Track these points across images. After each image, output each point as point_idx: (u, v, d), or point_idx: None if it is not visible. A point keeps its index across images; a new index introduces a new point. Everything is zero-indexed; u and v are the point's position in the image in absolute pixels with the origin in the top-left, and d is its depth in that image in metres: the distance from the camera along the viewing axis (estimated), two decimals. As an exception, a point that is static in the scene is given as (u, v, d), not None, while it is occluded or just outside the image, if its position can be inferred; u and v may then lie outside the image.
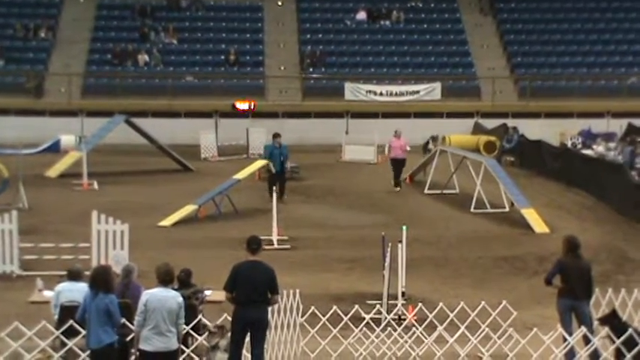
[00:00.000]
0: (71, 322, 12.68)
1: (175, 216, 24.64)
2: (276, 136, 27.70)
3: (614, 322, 13.31)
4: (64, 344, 13.08)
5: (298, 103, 42.55)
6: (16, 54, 43.71)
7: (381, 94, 42.82)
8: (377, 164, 35.31)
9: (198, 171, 33.60)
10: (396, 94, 42.79)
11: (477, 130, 40.79)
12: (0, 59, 43.28)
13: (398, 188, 29.15)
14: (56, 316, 13.54)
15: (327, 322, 14.31)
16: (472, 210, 26.29)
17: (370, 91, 42.80)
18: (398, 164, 29.26)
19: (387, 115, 41.78)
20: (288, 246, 22.22)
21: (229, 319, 12.65)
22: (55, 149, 36.51)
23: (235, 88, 42.44)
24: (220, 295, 13.32)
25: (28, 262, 19.42)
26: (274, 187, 24.92)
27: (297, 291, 14.39)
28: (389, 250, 16.68)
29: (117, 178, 31.94)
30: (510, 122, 39.40)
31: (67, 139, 37.32)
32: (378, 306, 15.74)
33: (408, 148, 29.51)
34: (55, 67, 43.51)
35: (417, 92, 42.84)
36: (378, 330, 14.48)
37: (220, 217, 25.34)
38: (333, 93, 42.44)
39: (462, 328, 14.01)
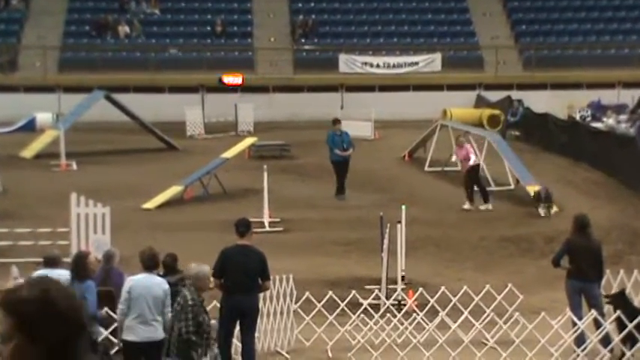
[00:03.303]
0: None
1: (160, 198, 24.62)
2: (335, 122, 26.52)
3: (621, 303, 13.35)
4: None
5: (290, 77, 42.45)
6: (-13, 27, 43.53)
7: (377, 65, 42.72)
8: (374, 140, 35.30)
9: (184, 150, 33.55)
10: (394, 66, 42.71)
11: (480, 103, 40.75)
12: (-30, 32, 43.14)
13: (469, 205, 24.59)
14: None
15: (322, 309, 14.35)
16: (475, 188, 26.28)
17: (366, 63, 42.70)
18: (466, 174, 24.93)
19: (384, 89, 41.73)
20: (280, 228, 22.23)
21: (218, 306, 12.67)
22: (31, 128, 36.40)
23: (222, 61, 42.31)
24: (208, 281, 13.32)
25: (3, 249, 19.40)
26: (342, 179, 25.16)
27: (291, 276, 14.41)
28: (387, 231, 16.69)
29: (97, 158, 31.88)
30: (515, 94, 39.35)
31: (43, 117, 37.19)
32: (376, 291, 15.77)
33: (472, 157, 24.62)
34: (28, 39, 43.31)
35: (416, 64, 42.76)
36: (376, 316, 14.52)
37: (208, 199, 25.33)
38: (327, 65, 42.33)
39: (466, 313, 14.06)
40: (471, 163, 24.60)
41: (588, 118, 36.69)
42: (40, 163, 30.54)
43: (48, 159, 30.57)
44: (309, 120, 38.20)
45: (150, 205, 24.34)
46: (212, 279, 12.65)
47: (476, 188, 24.68)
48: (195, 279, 10.46)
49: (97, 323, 11.69)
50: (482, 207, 24.38)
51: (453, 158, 25.78)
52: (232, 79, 40.23)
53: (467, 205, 24.48)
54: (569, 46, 44.30)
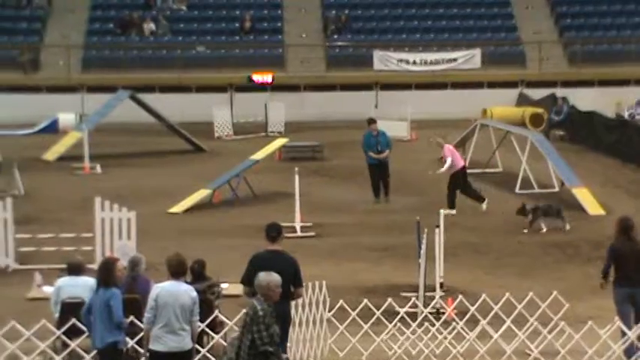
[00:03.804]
0: (73, 320, 12.76)
1: (187, 202, 24.70)
2: (370, 122, 26.01)
3: None
4: (66, 345, 13.16)
5: (322, 75, 42.48)
6: (7, 24, 43.81)
7: (414, 62, 42.66)
8: (410, 141, 35.24)
9: (212, 151, 33.67)
10: (431, 63, 42.63)
11: (522, 101, 40.59)
12: (-9, 31, 43.48)
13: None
14: (57, 315, 13.63)
15: (357, 317, 14.33)
16: (517, 190, 26.18)
17: (402, 60, 42.65)
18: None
19: (420, 87, 41.64)
20: (312, 233, 22.24)
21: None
22: (53, 129, 36.66)
23: (252, 58, 42.42)
24: (238, 289, 13.34)
25: (26, 255, 19.53)
26: (379, 184, 24.99)
27: (324, 283, 14.40)
28: (425, 236, 16.64)
29: (122, 160, 32.05)
30: (559, 92, 39.15)
31: (66, 118, 37.45)
32: (413, 299, 15.72)
33: (447, 162, 24.05)
34: (51, 38, 43.63)
35: (455, 60, 42.65)
36: (414, 325, 14.47)
37: (237, 202, 25.39)
38: (361, 62, 42.32)
39: (508, 322, 13.98)
40: (444, 169, 24.23)
41: (637, 117, 36.44)
42: (62, 165, 30.74)
43: (71, 161, 30.75)
44: (342, 120, 38.20)
45: (177, 209, 24.42)
46: (242, 286, 12.68)
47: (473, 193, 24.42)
48: (267, 289, 10.51)
49: (122, 332, 11.73)
50: (446, 211, 23.67)
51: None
52: (262, 77, 40.28)
53: (485, 206, 24.10)
54: (616, 40, 43.98)
